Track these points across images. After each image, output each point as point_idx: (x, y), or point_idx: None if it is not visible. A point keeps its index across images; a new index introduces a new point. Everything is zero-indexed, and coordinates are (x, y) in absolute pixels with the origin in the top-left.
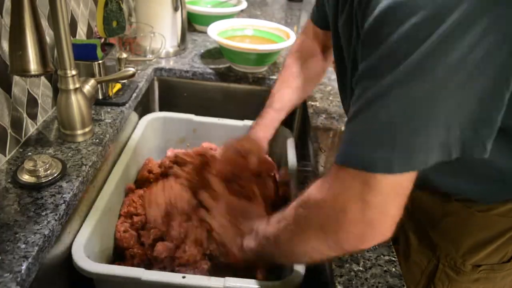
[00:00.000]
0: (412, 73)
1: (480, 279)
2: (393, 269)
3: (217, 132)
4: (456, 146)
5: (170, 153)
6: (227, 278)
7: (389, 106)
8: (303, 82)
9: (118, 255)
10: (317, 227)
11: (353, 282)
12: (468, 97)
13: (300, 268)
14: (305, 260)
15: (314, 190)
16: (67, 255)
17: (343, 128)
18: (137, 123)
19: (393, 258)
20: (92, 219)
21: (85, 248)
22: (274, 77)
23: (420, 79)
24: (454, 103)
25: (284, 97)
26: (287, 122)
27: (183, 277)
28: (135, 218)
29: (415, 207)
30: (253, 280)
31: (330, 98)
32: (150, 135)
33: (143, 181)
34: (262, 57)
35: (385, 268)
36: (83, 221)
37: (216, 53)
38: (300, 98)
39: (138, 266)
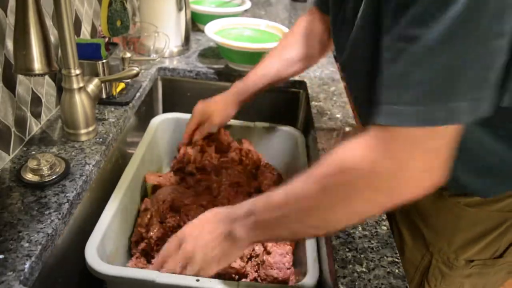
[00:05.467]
0: (469, 13)
1: (473, 274)
2: (396, 271)
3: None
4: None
5: (183, 150)
6: (240, 282)
7: (449, 54)
8: (297, 54)
9: (130, 256)
10: (366, 190)
11: (356, 283)
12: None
13: (314, 272)
14: (334, 228)
15: (359, 156)
16: (81, 254)
17: (347, 129)
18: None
19: (396, 260)
20: (105, 220)
21: (98, 250)
22: None
23: (478, 18)
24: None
25: (269, 64)
26: (291, 122)
27: (197, 280)
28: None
29: (408, 205)
30: (267, 285)
31: (334, 98)
32: (161, 136)
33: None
34: (258, 56)
35: (388, 270)
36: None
37: (220, 53)
38: (289, 70)
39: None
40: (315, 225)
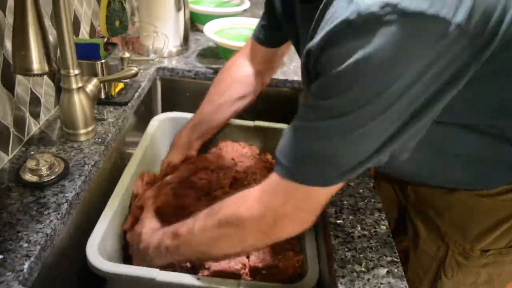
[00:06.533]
0: (352, 103)
1: (488, 263)
2: (395, 270)
3: (228, 132)
4: (384, 157)
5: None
6: (241, 281)
7: (334, 131)
8: (229, 100)
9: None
10: (251, 239)
11: (355, 283)
12: (392, 120)
13: (314, 272)
14: (222, 258)
15: (251, 202)
16: (80, 254)
17: None
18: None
19: (396, 259)
20: (106, 219)
21: (99, 248)
22: (276, 76)
23: (358, 110)
24: (384, 124)
25: (206, 117)
26: (290, 122)
27: (198, 278)
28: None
29: (420, 200)
30: (267, 283)
31: None
32: (161, 135)
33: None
34: None
35: (387, 269)
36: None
37: (219, 53)
38: (225, 115)
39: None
40: (205, 259)
